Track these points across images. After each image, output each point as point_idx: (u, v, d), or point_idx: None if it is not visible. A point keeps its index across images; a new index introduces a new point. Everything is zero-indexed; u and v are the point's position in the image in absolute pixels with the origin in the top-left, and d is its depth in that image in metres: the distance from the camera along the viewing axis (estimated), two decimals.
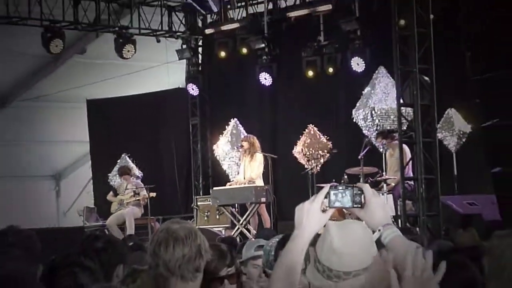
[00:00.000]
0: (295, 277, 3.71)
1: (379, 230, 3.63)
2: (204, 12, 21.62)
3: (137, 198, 18.79)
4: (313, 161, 18.54)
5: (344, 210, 3.79)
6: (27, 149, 27.37)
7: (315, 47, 19.42)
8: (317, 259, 3.58)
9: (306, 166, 18.70)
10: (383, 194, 14.10)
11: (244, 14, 21.20)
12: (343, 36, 18.65)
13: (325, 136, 18.83)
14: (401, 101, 13.79)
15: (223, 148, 20.98)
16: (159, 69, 23.03)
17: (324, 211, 3.59)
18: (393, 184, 15.42)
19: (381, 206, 3.67)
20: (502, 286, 1.93)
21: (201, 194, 20.65)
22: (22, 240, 5.10)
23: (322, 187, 4.04)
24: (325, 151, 18.65)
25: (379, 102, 16.72)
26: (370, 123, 17.13)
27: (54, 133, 26.87)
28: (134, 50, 21.27)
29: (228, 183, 19.00)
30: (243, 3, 21.17)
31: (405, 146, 14.76)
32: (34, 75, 24.58)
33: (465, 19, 12.02)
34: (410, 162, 14.50)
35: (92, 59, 23.23)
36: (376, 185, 15.15)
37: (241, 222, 17.06)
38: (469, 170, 16.27)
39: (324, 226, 3.62)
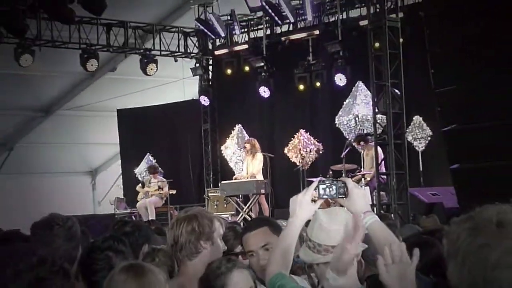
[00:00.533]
0: (290, 257, 3.83)
1: (361, 217, 3.65)
2: (213, 37, 21.65)
3: (160, 192, 18.84)
4: (301, 159, 18.67)
5: (330, 200, 3.78)
6: (68, 150, 27.53)
7: (305, 65, 19.47)
8: (307, 238, 3.74)
9: (297, 164, 18.71)
10: (361, 187, 14.01)
11: (247, 38, 21.29)
12: (328, 56, 18.66)
13: (316, 139, 18.83)
14: (376, 109, 13.68)
15: (230, 149, 21.08)
16: (176, 84, 23.04)
17: (314, 201, 3.67)
18: (368, 179, 15.51)
19: (361, 196, 3.74)
20: (456, 265, 1.98)
21: (211, 186, 20.66)
22: (64, 225, 5.03)
23: (312, 181, 4.28)
24: (314, 151, 18.79)
25: (362, 110, 16.73)
26: (354, 127, 17.14)
27: (90, 136, 26.98)
28: (156, 68, 21.33)
29: (234, 178, 19.03)
30: (245, 29, 21.23)
31: (379, 147, 14.83)
32: (74, 89, 24.64)
33: (428, 42, 11.97)
34: (383, 160, 14.58)
35: (121, 75, 23.25)
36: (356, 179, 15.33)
37: (244, 209, 17.10)
38: (432, 166, 16.39)
39: (315, 213, 3.72)
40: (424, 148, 16.76)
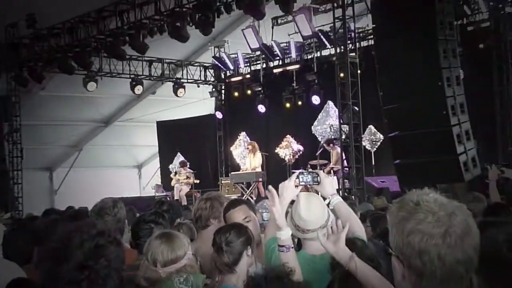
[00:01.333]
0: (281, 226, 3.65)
1: (329, 198, 3.74)
2: (225, 69, 21.58)
3: (188, 181, 18.64)
4: (288, 155, 18.73)
5: (308, 186, 3.78)
6: (121, 150, 27.39)
7: (290, 89, 19.33)
8: (292, 218, 3.67)
9: (285, 160, 18.64)
10: (330, 176, 14.05)
11: (249, 70, 21.17)
12: (307, 83, 18.51)
13: (298, 143, 18.80)
14: (341, 121, 13.66)
15: (237, 150, 21.04)
16: (199, 103, 22.78)
17: (296, 186, 3.60)
18: (335, 169, 15.31)
19: (330, 183, 3.77)
20: (391, 233, 1.93)
21: (223, 176, 20.54)
22: (111, 214, 4.95)
23: (294, 172, 4.07)
24: (297, 150, 18.83)
25: (334, 121, 16.63)
26: (329, 133, 17.06)
27: (137, 140, 26.88)
28: (184, 92, 21.36)
29: (240, 170, 19.04)
30: (248, 64, 21.11)
31: (339, 148, 14.76)
32: (125, 106, 24.57)
33: (378, 73, 11.99)
34: (345, 158, 14.54)
35: (159, 97, 23.10)
36: (327, 171, 15.26)
37: (247, 192, 16.99)
38: (381, 161, 16.22)
39: (297, 196, 3.65)
40: (375, 149, 16.79)
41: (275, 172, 18.19)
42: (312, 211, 3.63)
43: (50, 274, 2.02)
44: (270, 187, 3.59)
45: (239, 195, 17.08)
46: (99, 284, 2.01)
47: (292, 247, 3.41)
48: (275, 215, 3.47)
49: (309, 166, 16.00)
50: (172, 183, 19.21)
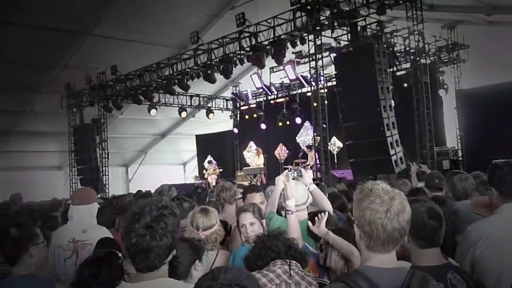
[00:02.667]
0: (275, 204, 3.76)
1: (308, 185, 3.70)
2: (239, 101, 21.62)
3: (215, 173, 18.52)
4: (281, 157, 18.72)
5: (293, 177, 3.76)
6: (173, 153, 27.27)
7: (282, 114, 19.26)
8: (283, 199, 3.60)
9: (279, 160, 18.63)
10: (308, 171, 13.97)
11: (255, 101, 21.05)
12: (292, 110, 18.55)
13: (287, 148, 18.79)
14: (315, 134, 13.56)
15: (248, 154, 21.05)
16: (222, 123, 22.79)
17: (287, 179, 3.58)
18: (311, 165, 15.06)
19: (308, 176, 3.76)
20: (356, 209, 1.90)
21: (238, 169, 20.30)
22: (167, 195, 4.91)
23: (286, 168, 4.18)
24: (286, 153, 18.83)
25: (310, 135, 16.71)
26: (310, 142, 16.70)
27: (183, 147, 26.73)
28: (213, 115, 21.33)
29: (250, 166, 18.96)
30: (254, 97, 21.04)
31: (315, 152, 14.72)
32: (175, 125, 24.60)
33: (339, 102, 11.93)
34: (317, 158, 14.43)
35: (197, 118, 23.06)
36: (305, 168, 15.21)
37: (254, 180, 16.66)
38: (341, 160, 15.98)
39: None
40: (337, 152, 16.69)
41: (273, 167, 18.18)
42: (297, 193, 3.59)
43: (128, 228, 2.02)
44: (284, 175, 3.59)
45: (249, 181, 17.12)
46: (156, 239, 2.00)
47: (295, 212, 3.34)
48: (287, 191, 3.47)
49: (294, 163, 15.92)
50: (206, 175, 19.10)
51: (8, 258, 2.75)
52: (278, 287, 2.51)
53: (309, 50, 13.00)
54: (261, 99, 20.72)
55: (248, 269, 2.58)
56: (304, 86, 18.13)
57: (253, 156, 19.76)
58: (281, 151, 18.99)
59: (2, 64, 15.48)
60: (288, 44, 13.05)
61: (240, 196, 4.62)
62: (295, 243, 2.84)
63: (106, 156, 19.48)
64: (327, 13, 11.91)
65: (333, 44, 13.78)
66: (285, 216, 3.76)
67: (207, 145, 23.06)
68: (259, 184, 16.12)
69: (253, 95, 21.11)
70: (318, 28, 12.20)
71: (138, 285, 2.02)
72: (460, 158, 14.66)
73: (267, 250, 2.68)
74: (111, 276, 2.25)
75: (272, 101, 20.30)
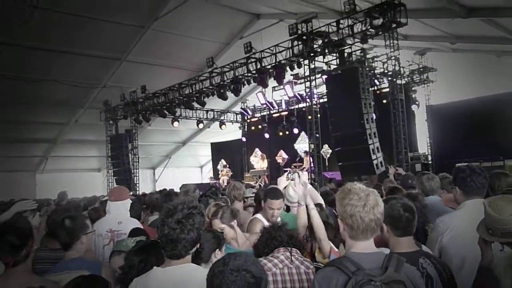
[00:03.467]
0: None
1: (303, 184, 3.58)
2: (247, 115, 21.57)
3: (227, 174, 18.48)
4: (281, 161, 18.66)
5: (292, 178, 3.68)
6: (191, 158, 27.18)
7: (282, 125, 19.17)
8: (285, 196, 3.58)
9: (280, 163, 18.48)
10: (304, 173, 13.85)
11: (260, 115, 21.01)
12: (291, 122, 18.51)
13: (287, 154, 18.66)
14: (310, 142, 13.48)
15: (254, 159, 20.85)
16: (233, 132, 22.64)
17: (287, 179, 3.57)
18: (306, 168, 14.95)
19: (305, 177, 3.47)
20: (339, 206, 1.87)
21: (246, 171, 20.24)
22: (190, 194, 4.77)
23: (286, 171, 3.95)
24: (286, 158, 18.77)
25: (306, 143, 16.57)
26: (306, 148, 16.39)
27: (200, 153, 26.65)
28: (225, 127, 21.28)
29: (255, 169, 18.91)
30: (259, 112, 20.99)
31: (309, 156, 14.60)
32: (194, 134, 24.54)
33: (330, 116, 11.84)
34: (312, 162, 14.32)
35: (212, 129, 22.86)
36: (301, 170, 15.07)
37: (258, 182, 16.77)
38: (331, 163, 15.76)
39: (288, 184, 3.59)
40: (328, 156, 16.48)
41: (274, 170, 18.12)
42: (296, 192, 3.46)
43: (162, 221, 2.04)
44: (296, 175, 3.31)
45: (255, 182, 17.04)
46: (184, 233, 2.02)
47: (303, 205, 3.20)
48: (289, 190, 3.41)
49: (292, 166, 15.75)
50: (219, 176, 19.02)
51: (63, 245, 2.76)
52: (281, 270, 2.52)
53: (304, 72, 13.01)
54: (265, 113, 20.65)
55: (256, 255, 2.62)
56: (300, 102, 18.07)
57: (258, 161, 19.73)
58: (281, 156, 18.92)
59: (54, 85, 15.78)
60: (287, 68, 13.11)
61: (252, 194, 4.56)
62: (295, 233, 2.81)
63: (137, 160, 19.49)
64: (320, 42, 11.97)
65: (325, 67, 13.78)
66: (287, 211, 3.76)
67: (220, 151, 22.96)
68: (262, 184, 16.14)
69: (258, 109, 21.06)
70: (312, 54, 12.25)
71: (166, 269, 2.06)
72: (430, 162, 14.68)
73: (272, 239, 2.67)
74: (158, 263, 2.26)
75: (274, 115, 20.21)
